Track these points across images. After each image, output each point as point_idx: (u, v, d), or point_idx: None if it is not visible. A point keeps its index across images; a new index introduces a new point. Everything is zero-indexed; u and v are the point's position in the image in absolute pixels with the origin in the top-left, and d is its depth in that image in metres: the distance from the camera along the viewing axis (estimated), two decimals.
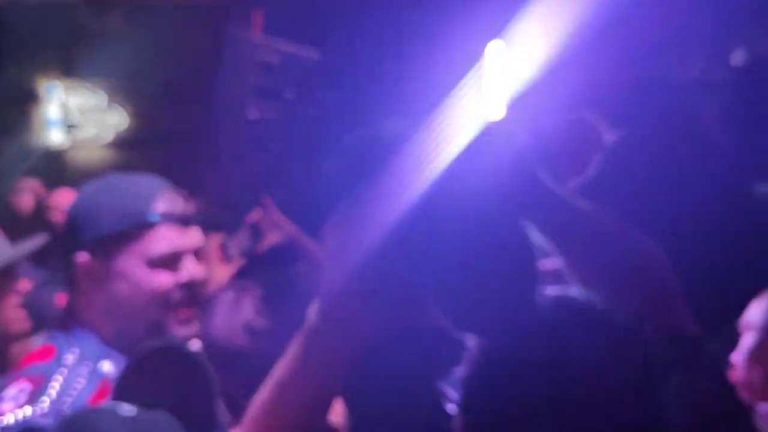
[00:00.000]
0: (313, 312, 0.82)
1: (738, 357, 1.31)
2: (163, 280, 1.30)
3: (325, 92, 2.36)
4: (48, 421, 1.15)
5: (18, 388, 1.22)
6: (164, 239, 1.30)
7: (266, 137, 2.58)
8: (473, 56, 2.04)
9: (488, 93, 1.91)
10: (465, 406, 0.71)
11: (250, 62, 2.97)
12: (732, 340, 1.41)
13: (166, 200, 1.32)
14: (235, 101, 2.94)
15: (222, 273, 2.35)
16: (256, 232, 2.18)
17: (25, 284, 1.90)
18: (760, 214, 3.73)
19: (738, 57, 3.31)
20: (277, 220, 2.12)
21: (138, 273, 1.29)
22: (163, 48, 5.18)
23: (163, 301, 1.30)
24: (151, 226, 1.30)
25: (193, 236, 1.37)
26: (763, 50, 3.44)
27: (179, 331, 1.31)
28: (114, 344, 1.29)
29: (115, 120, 5.98)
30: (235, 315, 1.53)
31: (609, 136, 1.67)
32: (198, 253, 1.37)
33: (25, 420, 1.17)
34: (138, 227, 1.30)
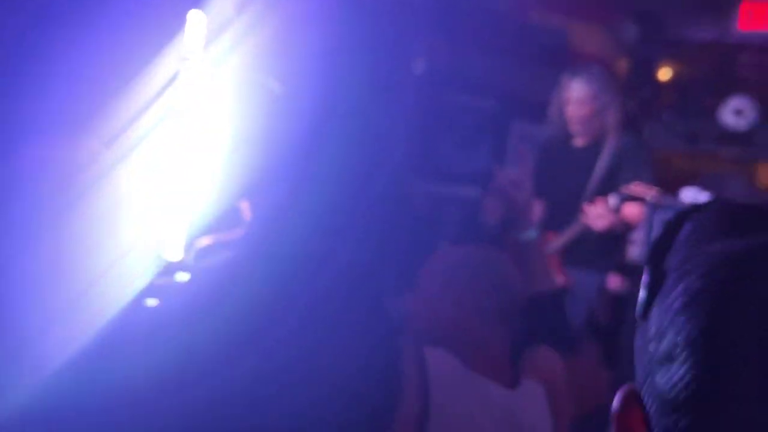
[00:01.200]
0: None
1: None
2: None
3: None
4: None
5: None
6: None
7: None
8: (174, 22, 2.01)
9: (189, 62, 1.91)
10: None
11: None
12: None
13: None
14: None
15: None
16: None
17: None
18: (421, 206, 4.34)
19: (418, 65, 3.78)
20: None
21: None
22: None
23: None
24: None
25: None
26: (438, 60, 4.00)
27: None
28: None
29: None
30: None
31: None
32: None
33: None
34: None
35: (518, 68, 4.42)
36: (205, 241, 1.96)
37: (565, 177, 3.18)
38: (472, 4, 4.09)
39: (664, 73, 5.33)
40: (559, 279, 3.07)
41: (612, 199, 2.83)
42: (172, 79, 1.91)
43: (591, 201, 2.99)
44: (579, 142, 3.15)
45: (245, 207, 1.76)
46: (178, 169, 1.80)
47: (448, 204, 4.45)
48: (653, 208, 4.74)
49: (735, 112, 4.77)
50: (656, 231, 4.74)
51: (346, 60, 3.05)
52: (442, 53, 3.95)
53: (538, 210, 3.58)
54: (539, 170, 3.35)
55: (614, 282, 4.19)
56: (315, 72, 2.35)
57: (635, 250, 4.20)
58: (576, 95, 3.01)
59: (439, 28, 3.80)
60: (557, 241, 3.08)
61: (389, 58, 3.64)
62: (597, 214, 2.82)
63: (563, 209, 3.13)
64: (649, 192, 2.76)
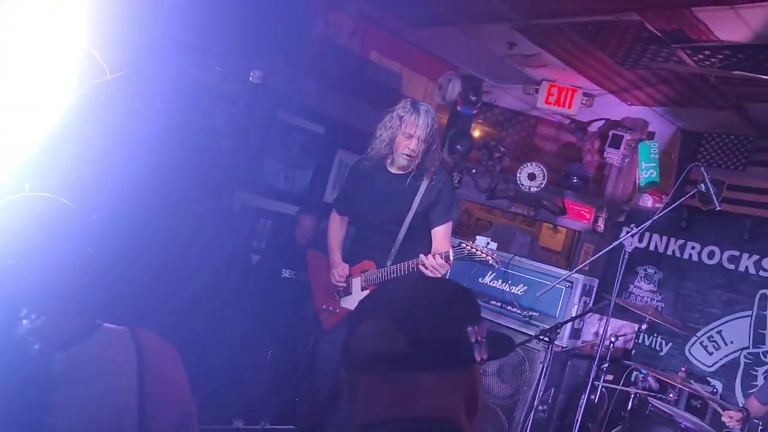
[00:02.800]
0: None
1: None
2: None
3: None
4: None
5: None
6: None
7: None
8: None
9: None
10: None
11: None
12: None
13: None
14: None
15: None
16: None
17: None
18: (241, 217, 4.32)
19: (254, 75, 3.79)
20: None
21: None
22: None
23: None
24: None
25: None
26: (275, 80, 4.07)
27: None
28: None
29: None
30: None
31: None
32: None
33: None
34: None
35: (351, 101, 4.66)
36: None
37: (381, 202, 3.17)
38: (315, 34, 4.26)
39: (477, 132, 5.93)
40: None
41: (451, 253, 2.91)
42: None
43: (407, 231, 3.08)
44: (394, 169, 3.16)
45: None
46: None
47: (265, 216, 4.51)
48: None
49: (529, 176, 5.42)
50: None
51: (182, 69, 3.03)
52: (279, 74, 4.03)
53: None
54: (352, 190, 3.30)
55: None
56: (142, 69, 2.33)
57: None
58: (420, 132, 3.05)
59: (280, 50, 3.88)
60: (376, 275, 3.14)
61: (225, 67, 3.64)
62: (434, 265, 2.90)
63: (379, 233, 3.18)
64: (491, 256, 2.92)
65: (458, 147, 5.54)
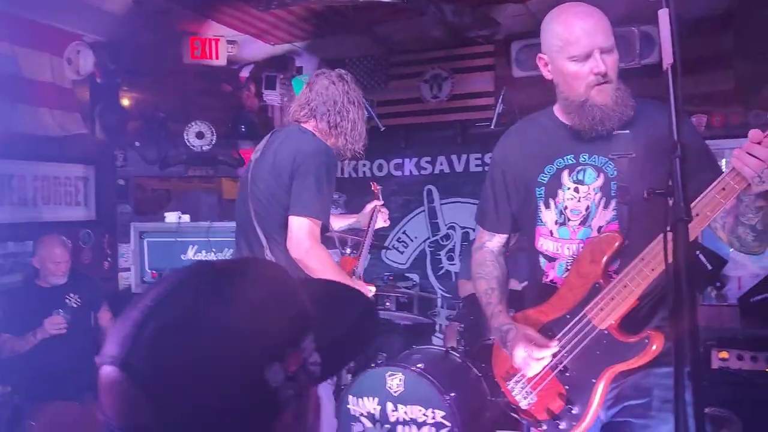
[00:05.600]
0: None
1: None
2: None
3: None
4: None
5: None
6: None
7: None
8: None
9: None
10: None
11: None
12: None
13: None
14: None
15: None
16: None
17: None
18: None
19: None
20: None
21: None
22: None
23: None
24: None
25: None
26: None
27: None
28: None
29: None
30: None
31: None
32: None
33: None
34: None
35: None
36: None
37: None
38: None
39: (127, 101, 5.44)
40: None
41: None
42: None
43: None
44: None
45: None
46: None
47: None
48: (141, 234, 4.80)
49: (197, 135, 5.22)
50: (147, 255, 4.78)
51: None
52: None
53: None
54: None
55: None
56: None
57: None
58: None
59: None
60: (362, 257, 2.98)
61: None
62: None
63: None
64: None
65: (111, 123, 5.04)
